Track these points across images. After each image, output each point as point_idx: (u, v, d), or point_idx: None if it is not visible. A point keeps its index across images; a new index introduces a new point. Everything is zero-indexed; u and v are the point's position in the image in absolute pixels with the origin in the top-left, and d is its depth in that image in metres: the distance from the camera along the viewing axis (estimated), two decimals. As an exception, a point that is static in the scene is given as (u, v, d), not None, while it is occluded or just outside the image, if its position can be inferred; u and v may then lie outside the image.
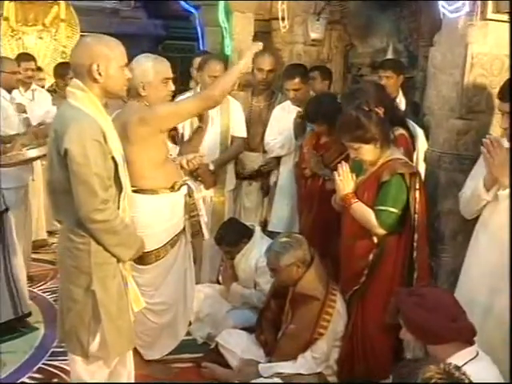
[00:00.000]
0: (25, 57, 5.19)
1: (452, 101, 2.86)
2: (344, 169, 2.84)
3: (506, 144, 2.44)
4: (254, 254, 3.49)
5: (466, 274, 2.62)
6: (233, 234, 3.60)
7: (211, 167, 3.84)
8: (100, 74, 2.27)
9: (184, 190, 3.04)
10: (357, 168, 2.91)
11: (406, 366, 1.76)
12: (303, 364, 2.93)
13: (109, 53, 2.29)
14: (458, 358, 1.85)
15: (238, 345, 3.22)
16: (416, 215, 2.70)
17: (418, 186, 2.71)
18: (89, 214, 2.25)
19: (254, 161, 4.32)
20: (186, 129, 3.88)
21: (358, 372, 2.87)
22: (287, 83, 4.02)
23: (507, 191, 2.38)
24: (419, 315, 1.95)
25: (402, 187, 2.72)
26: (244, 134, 4.09)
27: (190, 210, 3.05)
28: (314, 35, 5.50)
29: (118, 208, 2.37)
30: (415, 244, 2.72)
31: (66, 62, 5.47)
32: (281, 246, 3.00)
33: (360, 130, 2.72)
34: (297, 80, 3.96)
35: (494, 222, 2.47)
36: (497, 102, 2.63)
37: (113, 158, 2.31)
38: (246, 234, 3.61)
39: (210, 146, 3.90)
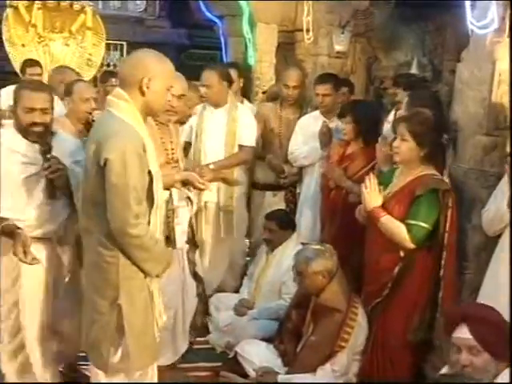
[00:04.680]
0: (30, 63, 5.21)
1: (479, 117, 2.84)
2: (372, 181, 2.81)
3: None
4: (289, 253, 3.44)
5: (484, 293, 2.59)
6: (285, 216, 3.84)
7: (211, 166, 3.72)
8: (148, 87, 2.28)
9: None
10: (386, 180, 2.90)
11: (443, 381, 1.72)
12: (322, 376, 2.91)
13: (159, 70, 2.32)
14: (506, 375, 1.84)
15: (256, 354, 3.21)
16: (446, 234, 2.69)
17: (450, 204, 2.70)
18: (122, 226, 2.22)
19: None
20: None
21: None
22: (318, 87, 4.07)
23: None
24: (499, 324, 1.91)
25: (435, 203, 2.71)
26: (252, 143, 3.95)
27: (167, 215, 2.97)
28: (338, 47, 5.54)
29: (149, 223, 2.33)
30: (443, 262, 2.70)
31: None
32: (313, 252, 3.00)
33: (424, 127, 2.73)
34: (328, 86, 4.03)
35: None
36: None
37: (149, 171, 2.29)
38: (293, 225, 3.82)
39: (211, 155, 3.84)
